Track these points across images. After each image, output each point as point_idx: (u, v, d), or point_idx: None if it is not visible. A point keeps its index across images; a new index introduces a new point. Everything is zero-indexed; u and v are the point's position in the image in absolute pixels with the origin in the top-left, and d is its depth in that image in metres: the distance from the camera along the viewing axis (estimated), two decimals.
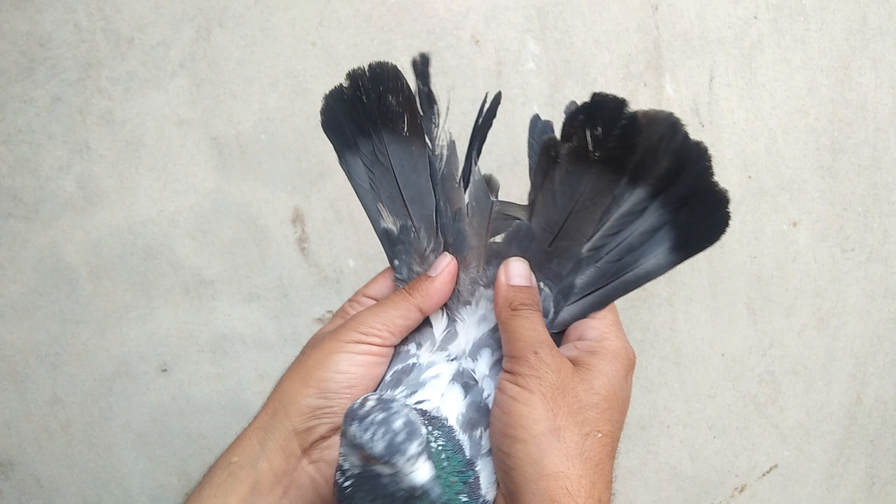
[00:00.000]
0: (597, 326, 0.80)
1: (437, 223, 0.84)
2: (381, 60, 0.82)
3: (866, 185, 1.34)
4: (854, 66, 1.30)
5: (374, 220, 0.86)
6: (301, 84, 1.31)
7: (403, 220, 0.85)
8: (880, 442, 1.48)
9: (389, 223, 0.85)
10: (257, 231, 1.37)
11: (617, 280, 0.80)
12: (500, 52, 1.29)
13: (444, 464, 0.71)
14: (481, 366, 0.80)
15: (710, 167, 0.74)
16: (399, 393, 0.78)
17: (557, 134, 0.80)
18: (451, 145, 0.81)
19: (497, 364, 0.80)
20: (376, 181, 0.85)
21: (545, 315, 0.80)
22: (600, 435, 0.71)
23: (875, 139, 1.33)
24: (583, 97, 1.26)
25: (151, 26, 1.30)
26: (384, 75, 0.82)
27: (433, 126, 0.80)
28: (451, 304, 0.84)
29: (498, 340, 0.80)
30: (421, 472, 0.64)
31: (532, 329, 0.75)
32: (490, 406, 0.76)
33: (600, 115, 0.73)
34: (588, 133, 0.74)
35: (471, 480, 0.73)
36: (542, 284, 0.81)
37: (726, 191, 0.74)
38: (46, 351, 1.42)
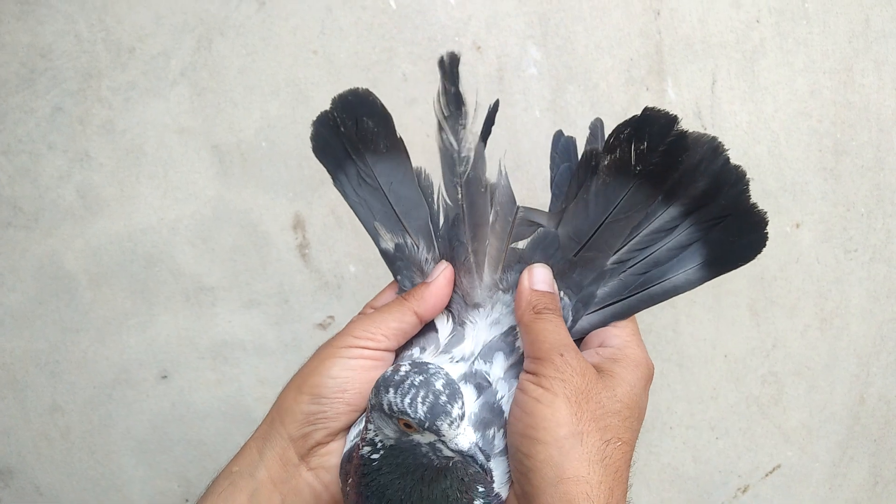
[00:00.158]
0: (619, 335, 0.84)
1: (432, 232, 0.89)
2: (353, 87, 0.87)
3: (869, 187, 1.38)
4: (857, 68, 1.33)
5: (374, 238, 0.91)
6: (302, 92, 1.35)
7: (401, 236, 0.89)
8: (884, 441, 1.52)
9: (387, 241, 0.89)
10: (258, 238, 1.41)
11: (643, 292, 0.85)
12: (502, 58, 1.33)
13: None
14: (496, 368, 0.83)
15: (747, 190, 0.80)
16: None
17: (582, 147, 0.85)
18: (479, 148, 0.83)
19: (512, 367, 0.83)
20: (368, 202, 0.90)
21: None
22: (620, 443, 0.74)
23: (878, 140, 1.36)
24: (584, 102, 1.32)
25: (152, 37, 1.33)
26: (357, 101, 0.87)
27: (459, 127, 0.82)
28: (457, 309, 0.87)
29: (511, 344, 0.84)
30: (465, 437, 0.67)
31: (556, 332, 0.79)
32: (503, 408, 0.79)
33: (648, 130, 0.77)
34: (633, 147, 0.78)
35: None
36: (561, 293, 0.85)
37: (765, 212, 0.80)
38: (46, 359, 1.46)
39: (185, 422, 1.50)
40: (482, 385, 0.81)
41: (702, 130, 1.32)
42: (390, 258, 0.90)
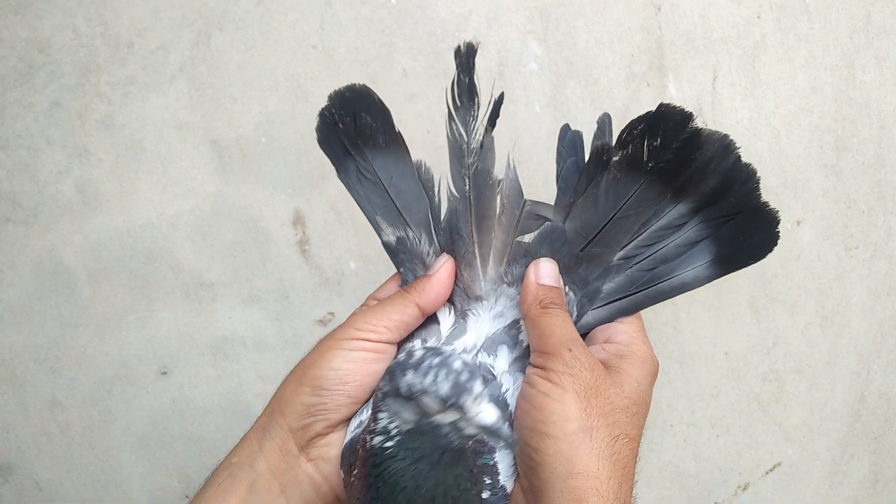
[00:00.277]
0: (625, 331, 0.84)
1: (433, 225, 0.88)
2: (351, 83, 0.87)
3: (871, 183, 1.38)
4: (858, 64, 1.33)
5: (377, 232, 0.90)
6: (302, 87, 1.35)
7: (402, 229, 0.89)
8: (884, 439, 1.52)
9: (389, 234, 0.89)
10: (258, 233, 1.41)
11: (650, 288, 0.85)
12: (502, 53, 1.33)
13: None
14: (500, 361, 0.82)
15: (758, 188, 0.80)
16: None
17: (590, 142, 0.84)
18: (490, 140, 0.83)
19: (517, 361, 0.83)
20: (370, 196, 0.90)
21: None
22: (628, 439, 0.74)
23: (879, 137, 1.36)
24: (585, 98, 1.31)
25: (151, 31, 1.33)
26: (354, 97, 0.87)
27: (470, 118, 0.82)
28: (459, 301, 0.87)
29: (515, 337, 0.84)
30: (488, 412, 0.66)
31: (563, 327, 0.78)
32: (508, 401, 0.79)
33: (662, 127, 0.77)
34: (646, 143, 0.78)
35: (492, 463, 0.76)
36: (567, 288, 0.85)
37: (777, 211, 0.79)
38: (45, 354, 1.46)
39: (184, 418, 1.51)
40: (486, 378, 0.80)
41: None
42: (393, 251, 0.90)
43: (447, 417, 0.67)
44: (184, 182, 1.39)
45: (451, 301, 0.87)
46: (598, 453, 0.71)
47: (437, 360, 0.66)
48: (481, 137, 0.82)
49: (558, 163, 0.94)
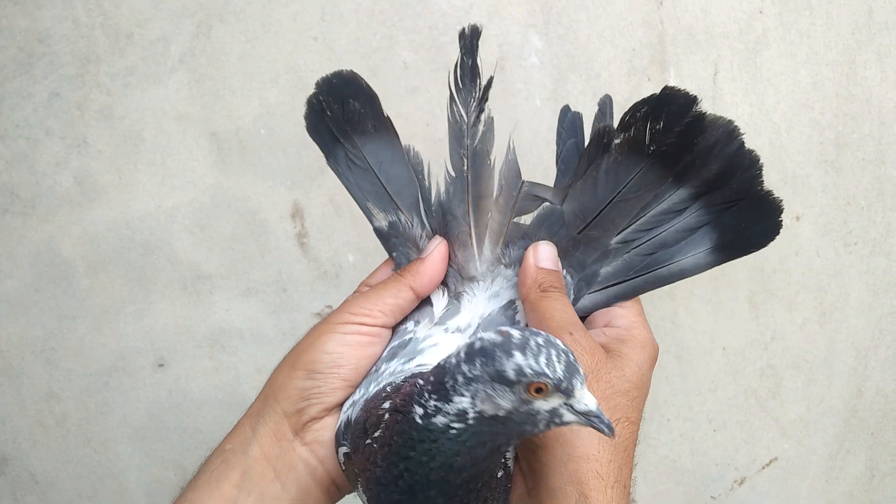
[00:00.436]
0: (625, 315, 0.84)
1: (423, 208, 0.88)
2: (338, 69, 0.87)
3: (870, 180, 1.38)
4: (860, 60, 1.33)
5: (368, 218, 0.90)
6: (302, 79, 1.34)
7: (394, 214, 0.88)
8: (881, 435, 1.53)
9: (381, 220, 0.89)
10: (256, 226, 1.41)
11: (648, 273, 0.84)
12: (504, 46, 1.33)
13: None
14: None
15: (760, 175, 0.79)
16: (396, 363, 0.79)
17: (590, 125, 0.84)
18: (489, 121, 0.83)
19: None
20: (360, 182, 0.89)
21: None
22: (628, 423, 0.75)
23: (880, 133, 1.36)
24: (586, 92, 1.31)
25: (151, 22, 1.32)
26: (341, 83, 0.87)
27: (471, 100, 0.82)
28: (453, 282, 0.87)
29: (511, 318, 0.84)
30: (591, 397, 0.63)
31: (563, 311, 0.78)
32: None
33: (666, 110, 0.76)
34: (648, 126, 0.78)
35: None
36: (564, 271, 0.84)
37: (780, 200, 0.80)
38: (42, 346, 1.46)
39: (181, 410, 1.51)
40: None
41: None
42: (385, 236, 0.90)
43: (549, 403, 0.63)
44: (183, 174, 1.39)
45: (444, 283, 0.87)
46: (599, 437, 0.70)
47: (541, 340, 0.62)
48: (482, 119, 0.82)
49: (558, 144, 0.94)
